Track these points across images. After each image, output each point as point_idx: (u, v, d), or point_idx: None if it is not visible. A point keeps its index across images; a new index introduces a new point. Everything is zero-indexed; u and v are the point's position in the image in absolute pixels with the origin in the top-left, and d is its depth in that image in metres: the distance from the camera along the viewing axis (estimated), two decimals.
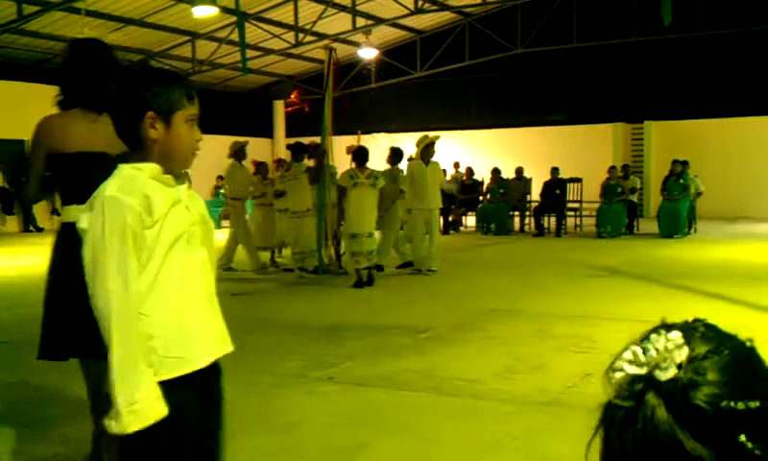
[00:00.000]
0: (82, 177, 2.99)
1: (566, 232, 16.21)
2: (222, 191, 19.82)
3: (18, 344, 5.95)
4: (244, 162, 11.10)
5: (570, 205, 16.68)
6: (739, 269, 10.14)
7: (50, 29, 16.55)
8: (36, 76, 17.56)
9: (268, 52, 20.19)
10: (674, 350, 0.82)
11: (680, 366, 0.81)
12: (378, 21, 19.39)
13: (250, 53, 18.45)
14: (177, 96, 2.11)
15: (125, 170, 2.09)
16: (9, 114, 16.19)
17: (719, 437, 0.77)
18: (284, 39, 19.16)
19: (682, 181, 15.09)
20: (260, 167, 11.92)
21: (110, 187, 2.00)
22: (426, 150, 10.37)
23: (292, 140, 12.49)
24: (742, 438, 0.77)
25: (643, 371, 0.82)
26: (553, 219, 16.17)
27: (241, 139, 11.48)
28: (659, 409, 0.80)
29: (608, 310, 7.25)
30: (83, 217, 2.02)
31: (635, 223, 16.04)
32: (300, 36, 18.91)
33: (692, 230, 15.41)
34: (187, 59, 19.67)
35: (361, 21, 18.87)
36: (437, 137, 10.63)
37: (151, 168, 2.07)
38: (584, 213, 16.75)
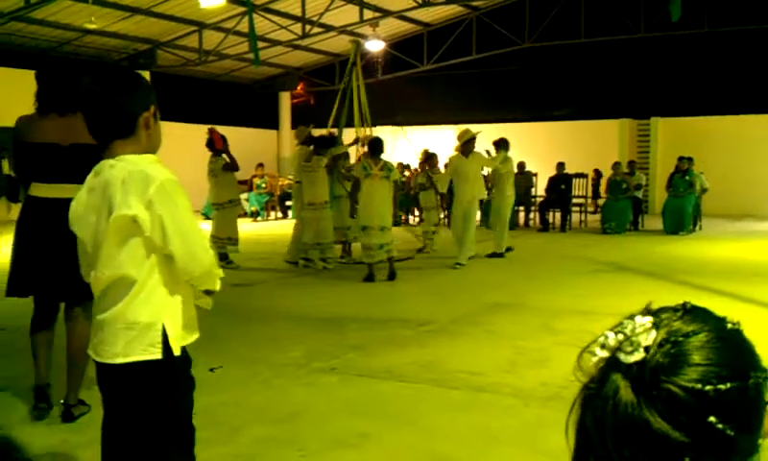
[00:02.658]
0: (40, 162, 4.00)
1: (571, 227, 16.20)
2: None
3: (12, 330, 5.97)
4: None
5: (576, 200, 16.65)
6: (743, 266, 10.12)
7: (57, 17, 16.54)
8: (43, 64, 17.50)
9: (275, 43, 20.15)
10: (641, 333, 0.84)
11: (647, 349, 0.82)
12: (386, 13, 19.33)
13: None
14: (154, 95, 2.38)
15: (141, 160, 2.26)
16: (15, 102, 16.17)
17: (688, 419, 0.78)
18: (291, 31, 19.12)
19: (687, 177, 15.05)
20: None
21: (161, 172, 2.23)
22: (467, 144, 10.55)
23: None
24: (711, 419, 0.78)
25: (608, 354, 0.84)
26: (558, 214, 16.14)
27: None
28: (623, 390, 0.82)
29: (612, 306, 7.23)
30: (133, 206, 2.18)
31: (639, 219, 16.01)
32: (308, 27, 18.87)
33: (697, 228, 15.37)
34: (194, 49, 19.66)
35: (368, 13, 18.83)
36: (478, 132, 10.72)
37: (150, 158, 2.30)
38: (589, 209, 16.71)
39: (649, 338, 0.83)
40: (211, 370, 4.97)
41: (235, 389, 4.74)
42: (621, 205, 15.28)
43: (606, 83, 21.05)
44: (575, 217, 16.72)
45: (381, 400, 4.59)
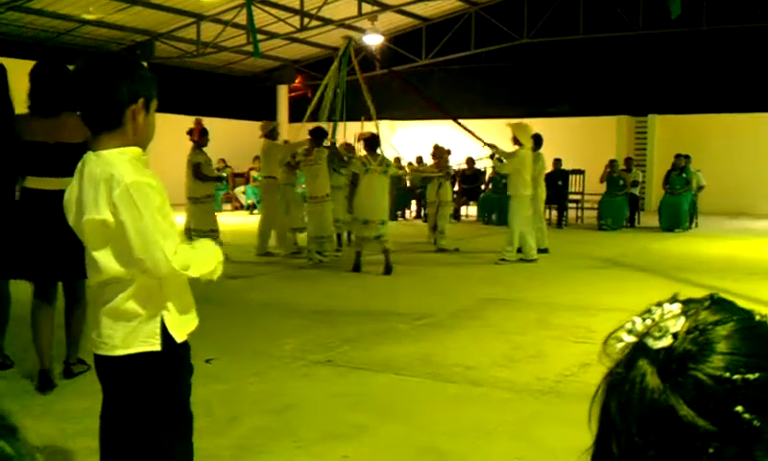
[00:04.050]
0: (32, 158, 4.45)
1: (567, 224, 16.22)
2: (224, 174, 19.80)
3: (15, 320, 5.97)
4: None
5: (572, 196, 16.67)
6: (738, 264, 10.15)
7: (55, 7, 16.48)
8: (40, 54, 17.51)
9: (273, 36, 20.10)
10: (669, 319, 0.83)
11: (675, 335, 0.82)
12: (384, 7, 19.30)
13: None
14: (154, 85, 2.30)
15: (122, 154, 2.22)
16: (13, 92, 16.13)
17: (715, 407, 0.78)
18: (289, 24, 19.07)
19: (684, 175, 15.07)
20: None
21: (128, 174, 2.17)
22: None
23: (295, 125, 12.48)
24: (739, 409, 0.78)
25: (635, 339, 0.84)
26: (554, 210, 16.17)
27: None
28: (650, 376, 0.81)
29: (607, 301, 7.26)
30: (102, 210, 2.17)
31: (636, 216, 16.03)
32: (306, 20, 18.83)
33: (693, 225, 15.40)
34: (192, 41, 19.59)
35: (367, 7, 18.79)
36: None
37: (134, 151, 2.26)
38: (585, 205, 16.74)
39: (677, 324, 0.83)
40: (207, 361, 4.98)
41: (231, 380, 4.75)
42: (618, 201, 15.30)
43: (603, 79, 21.06)
44: (571, 213, 16.74)
45: (377, 392, 4.60)
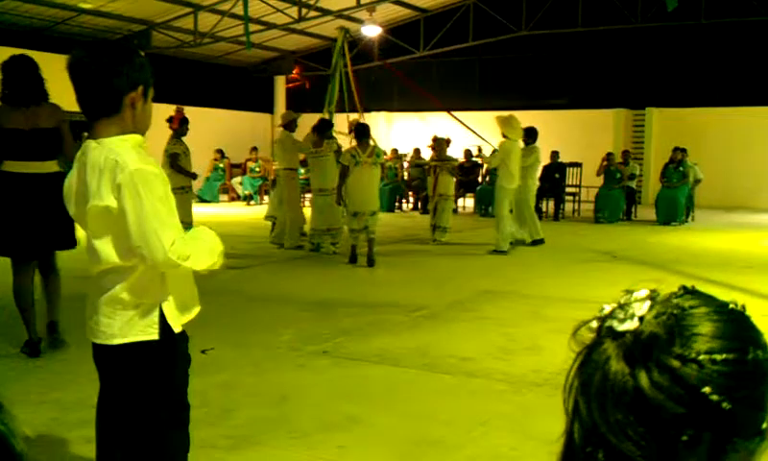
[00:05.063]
0: (9, 143, 4.75)
1: (564, 217, 16.24)
2: (221, 165, 19.77)
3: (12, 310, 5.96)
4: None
5: (569, 189, 16.68)
6: (734, 257, 10.17)
7: None
8: (37, 43, 17.44)
9: (270, 26, 20.04)
10: (635, 303, 0.84)
11: (641, 319, 0.82)
12: None
13: (251, 27, 18.30)
14: (151, 72, 2.30)
15: (125, 141, 2.22)
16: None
17: (683, 389, 0.79)
18: (287, 14, 19.01)
19: (681, 168, 15.08)
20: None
21: (133, 160, 2.17)
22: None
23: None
24: (705, 390, 0.78)
25: (601, 323, 0.85)
26: (551, 203, 16.18)
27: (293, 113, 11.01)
28: (614, 359, 0.82)
29: (603, 294, 7.20)
30: (105, 197, 2.17)
31: (633, 209, 16.05)
32: (304, 11, 18.78)
33: (690, 219, 15.42)
34: (189, 31, 19.52)
35: None
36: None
37: (135, 139, 2.25)
38: (582, 198, 16.76)
39: (643, 308, 0.83)
40: (203, 352, 4.98)
41: (227, 371, 4.76)
42: (614, 194, 15.32)
43: (602, 72, 21.03)
44: (568, 206, 16.76)
45: (372, 383, 4.61)
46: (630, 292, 0.86)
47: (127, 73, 2.21)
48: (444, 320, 6.30)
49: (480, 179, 17.86)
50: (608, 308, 0.86)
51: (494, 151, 11.01)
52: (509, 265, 9.47)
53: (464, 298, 7.21)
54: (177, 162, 9.41)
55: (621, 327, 0.82)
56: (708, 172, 16.49)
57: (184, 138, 9.75)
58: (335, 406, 4.15)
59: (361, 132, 9.44)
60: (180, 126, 9.67)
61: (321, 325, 6.02)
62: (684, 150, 15.34)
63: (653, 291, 0.86)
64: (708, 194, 17.25)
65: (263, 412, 4.05)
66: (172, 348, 2.30)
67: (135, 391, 2.32)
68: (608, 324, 0.84)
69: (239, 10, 17.02)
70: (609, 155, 15.96)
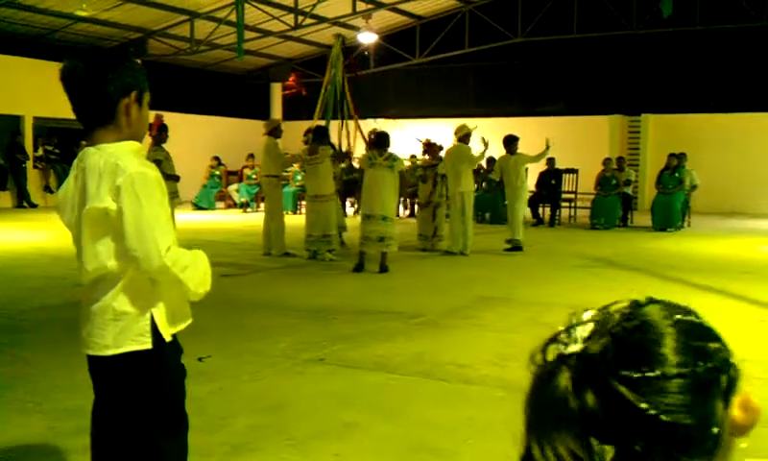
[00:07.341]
0: None
1: (560, 223, 16.25)
2: (217, 172, 19.75)
3: (8, 318, 5.95)
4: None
5: (565, 195, 16.70)
6: (730, 263, 10.18)
7: (48, 4, 16.42)
8: (33, 51, 17.44)
9: (266, 34, 20.09)
10: (578, 326, 0.89)
11: (586, 340, 0.88)
12: (379, 5, 19.31)
13: (248, 34, 18.34)
14: (145, 77, 2.27)
15: (119, 149, 2.21)
16: (5, 89, 16.12)
17: (622, 405, 0.82)
18: (283, 21, 19.06)
19: (677, 174, 15.11)
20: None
21: (133, 164, 2.16)
22: (465, 138, 10.95)
23: (290, 124, 12.48)
24: (643, 406, 0.81)
25: (553, 345, 0.90)
26: (547, 209, 16.19)
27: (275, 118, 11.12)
28: (559, 377, 0.86)
29: (599, 300, 7.14)
30: (104, 199, 2.15)
31: (628, 215, 16.07)
32: (300, 18, 18.82)
33: (686, 224, 15.44)
34: (185, 38, 19.56)
35: (361, 5, 18.80)
36: (475, 128, 11.13)
37: (133, 146, 2.24)
38: (578, 204, 16.78)
39: (586, 329, 0.87)
40: (200, 359, 4.98)
41: (224, 378, 4.75)
42: (610, 201, 15.35)
43: (597, 78, 21.11)
44: (564, 212, 16.77)
45: (369, 390, 4.60)
46: (577, 313, 0.90)
47: (118, 79, 2.20)
48: (441, 327, 6.30)
49: (476, 185, 17.85)
50: (560, 329, 0.90)
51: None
52: (507, 272, 9.48)
53: (461, 304, 7.21)
54: (160, 168, 9.36)
55: (567, 351, 0.86)
56: (703, 178, 16.52)
57: (165, 145, 9.72)
58: (332, 413, 4.14)
59: (381, 141, 9.40)
60: (158, 133, 9.61)
61: (318, 332, 6.01)
62: (680, 156, 15.33)
63: (601, 310, 0.89)
64: (703, 200, 17.28)
65: (260, 419, 4.04)
66: (166, 356, 2.29)
67: (130, 401, 2.30)
68: (554, 347, 0.87)
69: (235, 17, 17.06)
70: (606, 160, 15.99)
